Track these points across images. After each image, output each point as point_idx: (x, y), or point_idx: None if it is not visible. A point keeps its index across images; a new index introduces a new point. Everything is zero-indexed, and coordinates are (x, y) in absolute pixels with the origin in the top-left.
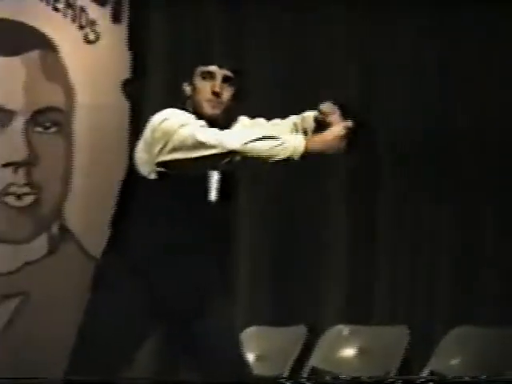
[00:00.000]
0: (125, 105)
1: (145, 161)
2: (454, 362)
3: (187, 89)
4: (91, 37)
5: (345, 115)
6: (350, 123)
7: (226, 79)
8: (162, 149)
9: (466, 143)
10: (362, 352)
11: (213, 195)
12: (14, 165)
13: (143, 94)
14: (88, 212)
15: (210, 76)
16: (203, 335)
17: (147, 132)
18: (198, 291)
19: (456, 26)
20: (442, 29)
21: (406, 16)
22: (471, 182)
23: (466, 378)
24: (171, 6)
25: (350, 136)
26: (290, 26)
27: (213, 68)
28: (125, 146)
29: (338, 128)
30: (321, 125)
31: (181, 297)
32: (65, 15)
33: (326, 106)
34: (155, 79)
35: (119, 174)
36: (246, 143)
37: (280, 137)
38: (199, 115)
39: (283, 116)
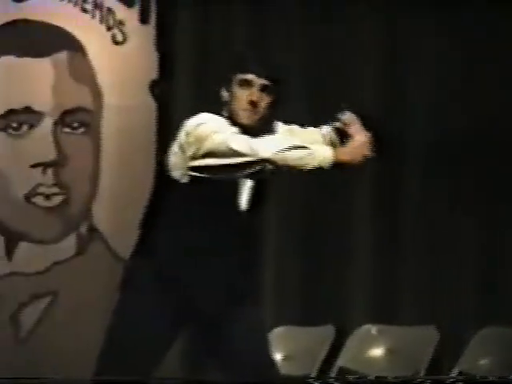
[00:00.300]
0: (152, 105)
1: (178, 164)
2: (483, 362)
3: (225, 94)
4: (119, 38)
5: (365, 124)
6: (369, 133)
7: (263, 88)
8: (194, 153)
9: (489, 146)
10: (390, 352)
11: (243, 202)
12: (43, 165)
13: (171, 94)
14: (116, 212)
15: (247, 84)
16: (231, 336)
17: (181, 135)
18: (226, 293)
19: (478, 28)
20: (464, 30)
21: (430, 17)
22: (496, 184)
23: (495, 378)
24: (199, 5)
25: (374, 144)
26: (316, 30)
27: (251, 76)
28: (152, 146)
29: (361, 137)
30: (342, 135)
31: (209, 299)
32: (93, 16)
33: (347, 117)
34: (183, 80)
35: (146, 175)
36: (277, 152)
37: (310, 147)
38: (235, 122)
39: (314, 124)
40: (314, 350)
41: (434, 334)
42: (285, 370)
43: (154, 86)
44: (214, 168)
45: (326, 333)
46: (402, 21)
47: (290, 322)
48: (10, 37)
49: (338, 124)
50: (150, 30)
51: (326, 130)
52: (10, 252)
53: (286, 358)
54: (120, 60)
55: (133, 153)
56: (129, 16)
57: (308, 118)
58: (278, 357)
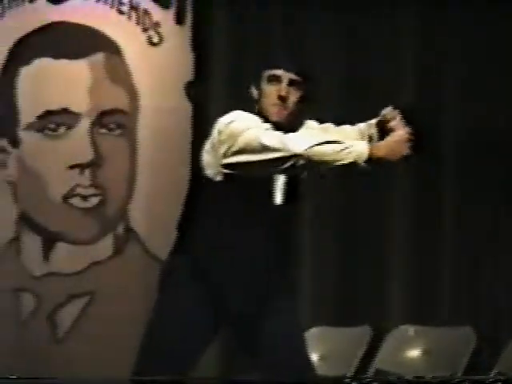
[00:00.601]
0: (188, 106)
1: (211, 162)
2: None
3: (254, 92)
4: (155, 39)
5: (406, 120)
6: (410, 129)
7: (292, 82)
8: (227, 151)
9: None
10: (427, 353)
11: (278, 198)
12: (80, 166)
13: (206, 95)
14: (152, 213)
15: (276, 79)
16: (268, 335)
17: (214, 134)
18: (263, 292)
19: None
20: (503, 27)
21: (470, 16)
22: None
23: None
24: (234, 6)
25: (413, 141)
26: (354, 28)
27: (279, 72)
28: (188, 147)
29: (400, 133)
30: (383, 131)
31: (245, 297)
32: (129, 18)
33: (388, 111)
34: (218, 80)
35: (182, 176)
36: (310, 147)
37: (345, 142)
38: (265, 119)
39: (350, 121)
40: (351, 351)
41: (471, 335)
42: (321, 370)
43: (190, 87)
44: (247, 165)
45: (362, 333)
46: (439, 17)
47: (326, 322)
48: (47, 39)
49: (378, 118)
50: (186, 30)
51: (365, 125)
52: (47, 252)
53: (322, 359)
54: (156, 61)
55: (168, 153)
56: (165, 17)
57: (344, 117)
58: (314, 357)
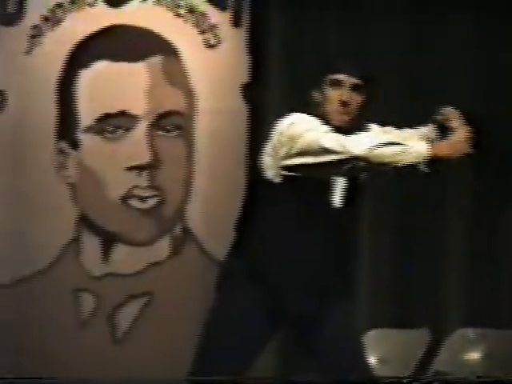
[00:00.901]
0: (244, 108)
1: (270, 164)
2: None
3: (316, 96)
4: (212, 41)
5: (466, 120)
6: (470, 128)
7: (354, 87)
8: (287, 153)
9: None
10: (487, 356)
11: (337, 200)
12: (138, 168)
13: (262, 97)
14: (209, 214)
15: (338, 84)
16: (325, 337)
17: (274, 136)
18: (321, 293)
19: None
20: None
21: None
22: None
23: None
24: (291, 8)
25: (473, 140)
26: (414, 29)
27: (341, 76)
28: (244, 149)
29: (461, 132)
30: (443, 132)
31: (303, 298)
32: (186, 20)
33: (448, 111)
34: (274, 82)
35: (239, 177)
36: (369, 149)
37: (404, 143)
38: (327, 123)
39: (411, 125)
40: (410, 353)
41: None
42: (379, 372)
43: (246, 89)
44: (306, 167)
45: (421, 336)
46: (499, 18)
47: (384, 324)
48: (106, 42)
49: (438, 118)
50: (243, 32)
51: (426, 128)
52: (106, 253)
53: (380, 361)
54: (213, 63)
55: (225, 155)
56: (222, 19)
57: (404, 120)
58: (372, 359)
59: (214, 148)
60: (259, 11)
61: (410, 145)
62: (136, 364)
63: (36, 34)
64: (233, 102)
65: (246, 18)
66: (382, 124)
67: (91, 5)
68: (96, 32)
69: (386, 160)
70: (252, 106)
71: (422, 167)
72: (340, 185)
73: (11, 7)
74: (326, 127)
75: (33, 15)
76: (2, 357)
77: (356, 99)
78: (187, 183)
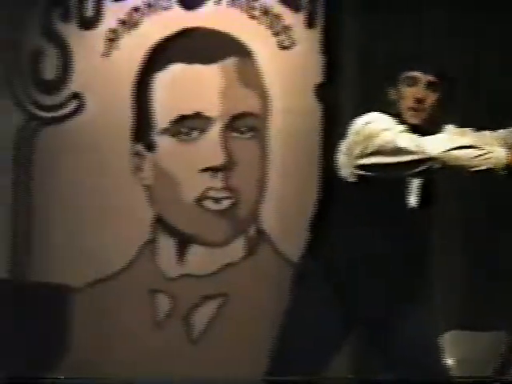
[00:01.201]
0: (318, 108)
1: (345, 163)
2: None
3: (392, 94)
4: (286, 43)
5: None
6: None
7: (429, 84)
8: (362, 152)
9: None
10: None
11: (413, 200)
12: (212, 169)
13: (336, 97)
14: (284, 215)
15: (413, 82)
16: (401, 337)
17: (350, 135)
18: (396, 293)
19: None
20: None
21: None
22: None
23: None
24: (366, 8)
25: None
26: (497, 28)
27: (416, 74)
28: (317, 149)
29: None
30: None
31: (378, 299)
32: (260, 22)
33: None
34: (348, 83)
35: (312, 177)
36: (446, 151)
37: (483, 147)
38: (402, 121)
39: (492, 128)
40: (487, 356)
41: None
42: (457, 374)
43: (320, 89)
44: (381, 166)
45: (499, 338)
46: None
47: (461, 326)
48: (181, 44)
49: None
50: (317, 33)
51: (506, 131)
52: (181, 254)
53: (456, 363)
54: (287, 64)
55: (299, 155)
56: (296, 21)
57: (483, 122)
58: (448, 361)
59: (287, 148)
60: (333, 12)
61: (489, 150)
62: (212, 364)
63: (113, 38)
64: (306, 103)
65: (320, 19)
66: (459, 125)
67: (167, 8)
68: (171, 35)
69: (462, 163)
70: (325, 106)
71: (500, 173)
72: (416, 185)
73: (89, 11)
74: (401, 127)
75: (110, 19)
76: (82, 356)
77: (431, 97)
78: (261, 184)
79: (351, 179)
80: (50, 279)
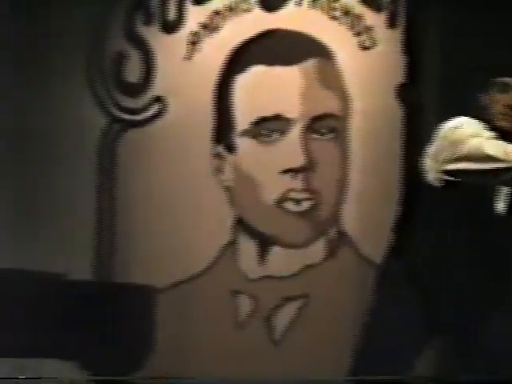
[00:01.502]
0: (399, 109)
1: (431, 167)
2: None
3: (483, 99)
4: (367, 43)
5: None
6: None
7: None
8: (449, 157)
9: None
10: None
11: (501, 207)
12: (293, 171)
13: (418, 98)
14: (365, 216)
15: (505, 88)
16: (484, 338)
17: (437, 139)
18: (479, 296)
19: None
20: None
21: None
22: None
23: None
24: (448, 8)
25: None
26: None
27: (509, 80)
28: (399, 150)
29: None
30: None
31: (462, 301)
32: (341, 23)
33: None
34: (430, 83)
35: (394, 179)
36: None
37: None
38: (493, 127)
39: None
40: None
41: None
42: None
43: (402, 90)
44: (469, 172)
45: None
46: None
47: None
48: (262, 46)
49: None
50: (398, 33)
51: None
52: (262, 256)
53: None
54: (368, 65)
55: (380, 156)
56: (377, 21)
57: None
58: None
59: (367, 149)
60: (415, 12)
61: None
62: (293, 365)
63: (195, 41)
64: (387, 103)
65: (401, 19)
66: None
67: (247, 10)
68: (252, 37)
69: None
70: (406, 107)
71: None
72: (504, 192)
73: (171, 15)
74: (490, 133)
75: (192, 22)
76: (165, 357)
77: None
78: (342, 185)
79: (437, 183)
80: (134, 280)
